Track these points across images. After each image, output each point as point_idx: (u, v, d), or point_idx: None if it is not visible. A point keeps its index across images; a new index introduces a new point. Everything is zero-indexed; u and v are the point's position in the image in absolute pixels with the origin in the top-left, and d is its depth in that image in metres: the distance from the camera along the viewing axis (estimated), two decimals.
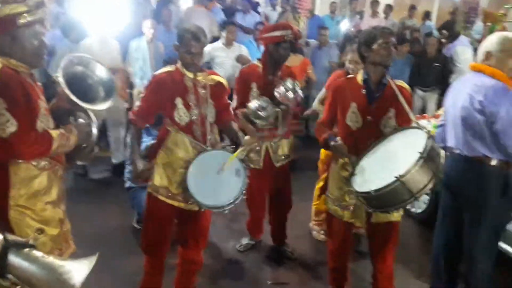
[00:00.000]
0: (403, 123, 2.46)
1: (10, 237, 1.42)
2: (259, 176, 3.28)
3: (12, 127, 1.74)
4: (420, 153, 2.05)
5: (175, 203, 2.51)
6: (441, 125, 2.79)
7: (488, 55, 2.47)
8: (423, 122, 4.10)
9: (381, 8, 8.92)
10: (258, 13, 8.09)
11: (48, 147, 1.85)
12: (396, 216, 2.57)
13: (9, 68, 1.80)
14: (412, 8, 9.40)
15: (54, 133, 1.90)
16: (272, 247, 3.60)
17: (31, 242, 1.46)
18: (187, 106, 2.46)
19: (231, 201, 2.43)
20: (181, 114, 2.45)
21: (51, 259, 1.47)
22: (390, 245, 2.66)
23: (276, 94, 2.95)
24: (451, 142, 2.62)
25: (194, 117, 2.47)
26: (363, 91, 2.50)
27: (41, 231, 1.56)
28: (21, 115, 1.78)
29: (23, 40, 1.81)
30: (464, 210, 2.62)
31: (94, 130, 2.15)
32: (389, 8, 8.88)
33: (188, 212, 2.55)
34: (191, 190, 2.38)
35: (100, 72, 2.17)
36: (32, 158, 1.86)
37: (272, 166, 3.26)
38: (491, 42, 2.49)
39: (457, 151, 2.57)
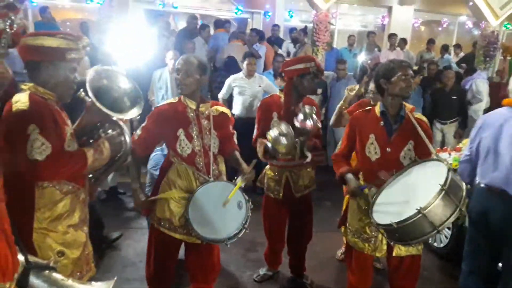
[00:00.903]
0: (422, 156, 2.44)
1: (32, 258, 1.45)
2: (279, 206, 3.28)
3: (47, 149, 1.81)
4: (441, 185, 2.01)
5: (178, 236, 2.48)
6: (465, 160, 2.75)
7: None
8: (443, 155, 4.05)
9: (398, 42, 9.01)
10: (279, 46, 8.27)
11: (84, 163, 1.92)
12: (418, 249, 2.53)
13: (37, 95, 1.90)
14: (430, 41, 9.46)
15: (86, 149, 1.96)
16: (290, 278, 3.53)
17: (51, 264, 1.48)
18: (189, 137, 2.45)
19: (232, 234, 2.35)
20: (183, 146, 2.44)
21: (70, 282, 1.49)
22: (412, 279, 2.60)
23: (295, 122, 2.97)
24: (488, 179, 2.62)
25: (196, 148, 2.46)
26: (381, 123, 2.50)
27: (62, 253, 1.58)
28: (53, 138, 1.84)
29: (62, 72, 1.95)
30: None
31: (127, 138, 2.18)
32: (403, 41, 8.95)
33: (192, 245, 2.51)
34: (192, 223, 2.33)
35: (123, 83, 2.22)
36: (70, 175, 1.92)
37: (292, 196, 3.24)
38: None
39: (500, 189, 2.57)
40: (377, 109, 2.55)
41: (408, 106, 2.57)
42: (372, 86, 3.38)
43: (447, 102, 6.21)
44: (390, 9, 11.06)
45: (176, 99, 2.53)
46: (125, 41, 5.30)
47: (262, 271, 3.57)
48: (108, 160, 2.07)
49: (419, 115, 2.57)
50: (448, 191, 2.02)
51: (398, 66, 2.45)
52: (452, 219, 2.04)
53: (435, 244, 4.08)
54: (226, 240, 2.34)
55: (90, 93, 2.03)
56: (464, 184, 2.13)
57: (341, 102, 3.55)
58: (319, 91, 6.29)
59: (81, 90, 2.06)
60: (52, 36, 1.91)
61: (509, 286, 2.70)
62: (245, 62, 5.40)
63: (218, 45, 7.20)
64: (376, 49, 9.13)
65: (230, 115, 2.68)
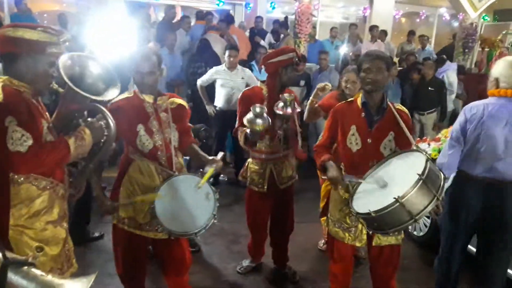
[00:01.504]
0: (403, 146, 2.47)
1: (10, 255, 1.43)
2: (262, 199, 3.29)
3: (28, 140, 1.78)
4: (419, 174, 2.05)
5: (143, 233, 2.43)
6: (455, 152, 2.74)
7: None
8: (423, 145, 4.11)
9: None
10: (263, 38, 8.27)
11: (67, 151, 1.88)
12: (398, 239, 2.58)
13: (11, 88, 1.86)
14: (411, 33, 9.56)
15: (67, 137, 1.93)
16: (273, 269, 3.57)
17: (30, 260, 1.46)
18: (149, 133, 2.38)
19: (203, 226, 2.30)
20: (144, 141, 2.37)
21: (49, 278, 1.47)
22: (391, 268, 2.65)
23: (275, 110, 2.99)
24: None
25: (158, 143, 2.39)
26: (363, 114, 2.53)
27: (41, 249, 1.56)
28: (31, 129, 1.81)
29: (40, 66, 1.91)
30: (495, 232, 2.73)
31: (111, 122, 2.12)
32: (383, 33, 9.02)
33: (160, 241, 2.47)
34: (159, 218, 2.28)
35: (95, 68, 2.17)
36: (54, 165, 1.89)
37: (276, 189, 3.26)
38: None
39: (500, 178, 2.63)
40: (359, 100, 2.57)
41: None
42: (346, 76, 3.47)
43: (425, 92, 6.30)
44: (371, 0, 11.12)
45: (131, 93, 2.45)
46: (105, 33, 5.20)
47: (246, 262, 3.59)
48: (91, 147, 2.02)
49: (400, 106, 2.59)
50: (426, 180, 2.05)
51: (364, 59, 2.49)
52: (429, 208, 2.08)
53: (415, 232, 4.16)
54: (196, 233, 2.30)
55: (65, 78, 1.99)
56: (442, 174, 2.17)
57: (311, 98, 3.58)
58: (302, 83, 6.32)
59: (53, 82, 2.02)
60: (32, 28, 1.87)
61: (491, 268, 2.81)
62: (226, 55, 5.38)
63: (198, 36, 7.15)
64: (358, 41, 9.20)
65: (187, 107, 2.63)
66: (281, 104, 2.99)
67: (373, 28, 8.87)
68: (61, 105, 2.12)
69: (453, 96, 7.00)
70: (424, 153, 2.21)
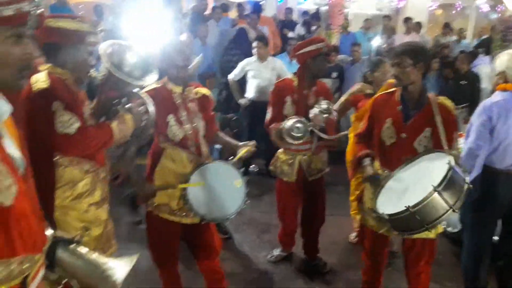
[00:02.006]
0: (439, 145, 2.35)
1: (59, 233, 1.49)
2: (291, 189, 3.31)
3: (76, 123, 1.85)
4: (434, 186, 1.99)
5: (176, 219, 2.50)
6: (481, 153, 2.72)
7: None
8: (460, 140, 4.03)
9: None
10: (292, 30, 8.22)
11: (111, 135, 1.94)
12: (432, 233, 2.49)
13: (55, 75, 1.94)
14: (446, 25, 9.29)
15: (109, 122, 2.00)
16: (304, 259, 3.58)
17: (77, 239, 1.53)
18: (179, 122, 2.44)
19: (233, 211, 2.42)
20: (175, 131, 2.43)
21: (95, 256, 1.53)
22: (424, 263, 2.61)
23: (310, 115, 2.99)
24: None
25: (188, 132, 2.46)
26: (399, 108, 2.48)
27: (87, 229, 1.63)
28: (77, 113, 1.89)
29: (80, 55, 1.99)
30: None
31: (150, 108, 2.19)
32: (418, 25, 8.80)
33: (191, 226, 2.54)
34: (192, 204, 2.37)
35: (132, 56, 2.23)
36: (99, 148, 1.96)
37: (305, 180, 3.26)
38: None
39: None
40: (398, 93, 2.53)
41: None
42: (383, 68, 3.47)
43: (458, 86, 6.13)
44: None
45: (159, 84, 2.47)
46: (140, 24, 5.29)
47: (276, 251, 3.62)
48: (132, 131, 2.08)
49: (443, 100, 2.46)
50: (442, 192, 1.99)
51: (391, 53, 2.47)
52: (443, 219, 2.03)
53: (449, 229, 4.07)
54: (228, 217, 2.44)
55: (107, 64, 2.07)
56: (466, 184, 2.07)
57: (346, 95, 3.56)
58: (334, 74, 6.26)
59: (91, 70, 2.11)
60: (72, 19, 1.96)
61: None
62: (254, 45, 5.39)
63: (224, 28, 7.19)
64: (391, 33, 9.02)
65: (211, 97, 2.69)
66: (315, 111, 2.98)
67: (407, 20, 8.68)
68: (101, 92, 2.18)
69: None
70: (448, 161, 2.10)
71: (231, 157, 2.54)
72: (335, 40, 8.06)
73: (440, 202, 2.00)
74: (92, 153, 1.96)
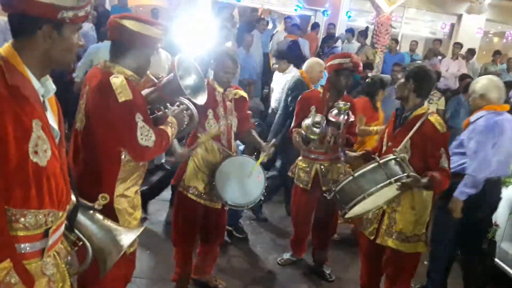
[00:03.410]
0: (419, 158, 2.51)
1: (81, 200, 1.77)
2: (306, 196, 3.47)
3: (153, 136, 1.99)
4: (378, 161, 2.37)
5: (202, 202, 2.83)
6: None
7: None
8: None
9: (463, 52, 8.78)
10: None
11: (168, 140, 2.12)
12: (403, 245, 2.59)
13: (131, 82, 1.98)
14: (496, 53, 9.10)
15: (164, 127, 2.13)
16: (312, 266, 3.71)
17: (96, 206, 1.80)
18: (216, 117, 2.81)
19: (252, 201, 2.84)
20: (211, 124, 2.79)
21: (109, 222, 1.81)
22: (394, 271, 2.71)
23: (329, 116, 3.14)
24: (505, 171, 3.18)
25: (222, 127, 2.82)
26: (393, 119, 2.72)
27: (105, 198, 1.84)
28: (150, 124, 2.02)
29: (148, 59, 2.07)
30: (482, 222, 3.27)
31: (194, 112, 2.38)
32: (469, 52, 8.68)
33: (211, 210, 2.88)
34: (218, 190, 2.74)
35: (193, 77, 2.42)
36: (162, 152, 2.14)
37: (320, 189, 3.38)
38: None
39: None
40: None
41: None
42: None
43: None
44: (459, 17, 10.72)
45: (206, 81, 2.76)
46: (190, 29, 5.64)
47: (286, 255, 3.77)
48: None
49: (434, 119, 2.54)
50: (383, 166, 2.33)
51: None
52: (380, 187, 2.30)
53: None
54: (247, 205, 2.85)
55: (177, 73, 2.18)
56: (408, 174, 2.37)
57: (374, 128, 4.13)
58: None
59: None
60: (150, 25, 1.99)
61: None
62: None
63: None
64: (439, 57, 8.95)
65: (247, 98, 3.06)
66: (335, 111, 3.13)
67: (456, 45, 8.59)
68: (152, 93, 2.30)
69: None
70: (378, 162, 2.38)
71: (255, 153, 2.91)
72: (378, 59, 8.12)
73: (381, 173, 2.35)
74: None
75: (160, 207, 4.30)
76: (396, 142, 2.59)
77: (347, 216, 2.51)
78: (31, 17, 1.34)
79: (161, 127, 2.13)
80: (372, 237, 2.69)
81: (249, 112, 3.09)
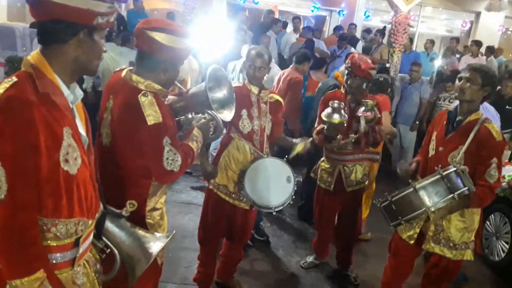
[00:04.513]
0: (471, 164, 2.42)
1: (108, 207, 1.75)
2: (329, 197, 3.42)
3: (178, 160, 1.90)
4: (440, 173, 2.33)
5: (231, 201, 2.85)
6: None
7: None
8: (508, 168, 3.97)
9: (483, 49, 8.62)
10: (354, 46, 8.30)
11: (193, 157, 2.06)
12: (452, 253, 2.56)
13: (158, 97, 1.87)
14: None
15: (190, 143, 2.05)
16: (336, 269, 3.65)
17: (123, 213, 1.78)
18: (250, 117, 2.82)
19: (281, 203, 2.79)
20: (245, 124, 2.81)
21: (137, 229, 1.79)
22: (437, 279, 2.69)
23: (358, 113, 3.11)
24: None
25: (255, 128, 2.83)
26: (444, 122, 2.61)
27: (132, 205, 1.81)
28: (177, 146, 1.91)
29: (177, 71, 1.98)
30: None
31: (220, 123, 2.27)
32: (489, 49, 8.51)
33: (239, 210, 2.89)
34: (247, 190, 2.73)
35: (222, 91, 2.32)
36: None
37: (343, 190, 3.35)
38: None
39: None
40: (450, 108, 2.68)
41: None
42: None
43: (503, 111, 5.88)
44: (478, 14, 10.53)
45: (241, 83, 2.87)
46: (206, 32, 5.64)
47: (310, 258, 3.72)
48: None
49: (490, 126, 2.46)
50: (445, 179, 2.27)
51: (463, 69, 2.58)
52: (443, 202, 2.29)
53: (491, 257, 3.97)
54: (275, 207, 2.77)
55: (207, 85, 2.08)
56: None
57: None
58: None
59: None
60: (181, 36, 1.89)
61: None
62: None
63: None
64: (457, 55, 8.80)
65: (283, 103, 3.00)
66: (362, 108, 3.10)
67: (474, 43, 8.43)
68: (178, 101, 2.20)
69: None
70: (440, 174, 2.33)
71: (286, 156, 2.87)
72: (396, 59, 8.01)
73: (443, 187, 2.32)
74: None
75: (181, 209, 4.30)
76: (448, 148, 2.52)
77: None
78: (67, 23, 1.32)
79: (187, 142, 2.05)
80: (411, 242, 2.62)
81: (282, 118, 3.07)
